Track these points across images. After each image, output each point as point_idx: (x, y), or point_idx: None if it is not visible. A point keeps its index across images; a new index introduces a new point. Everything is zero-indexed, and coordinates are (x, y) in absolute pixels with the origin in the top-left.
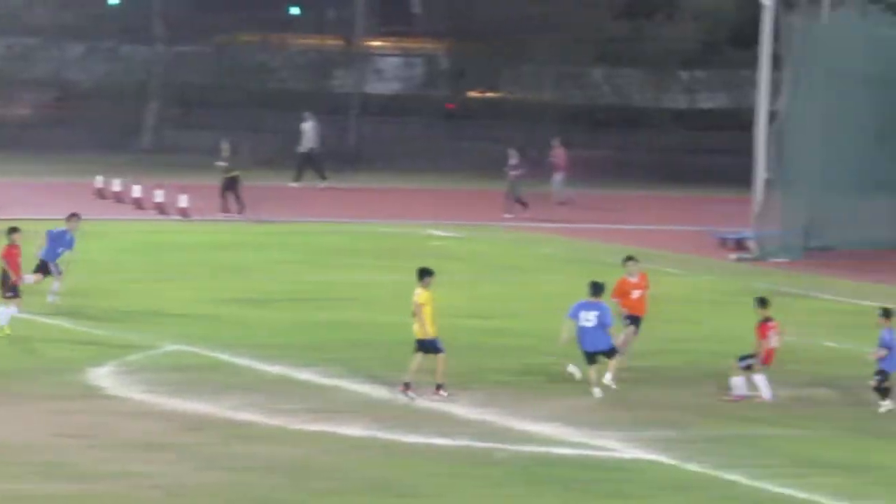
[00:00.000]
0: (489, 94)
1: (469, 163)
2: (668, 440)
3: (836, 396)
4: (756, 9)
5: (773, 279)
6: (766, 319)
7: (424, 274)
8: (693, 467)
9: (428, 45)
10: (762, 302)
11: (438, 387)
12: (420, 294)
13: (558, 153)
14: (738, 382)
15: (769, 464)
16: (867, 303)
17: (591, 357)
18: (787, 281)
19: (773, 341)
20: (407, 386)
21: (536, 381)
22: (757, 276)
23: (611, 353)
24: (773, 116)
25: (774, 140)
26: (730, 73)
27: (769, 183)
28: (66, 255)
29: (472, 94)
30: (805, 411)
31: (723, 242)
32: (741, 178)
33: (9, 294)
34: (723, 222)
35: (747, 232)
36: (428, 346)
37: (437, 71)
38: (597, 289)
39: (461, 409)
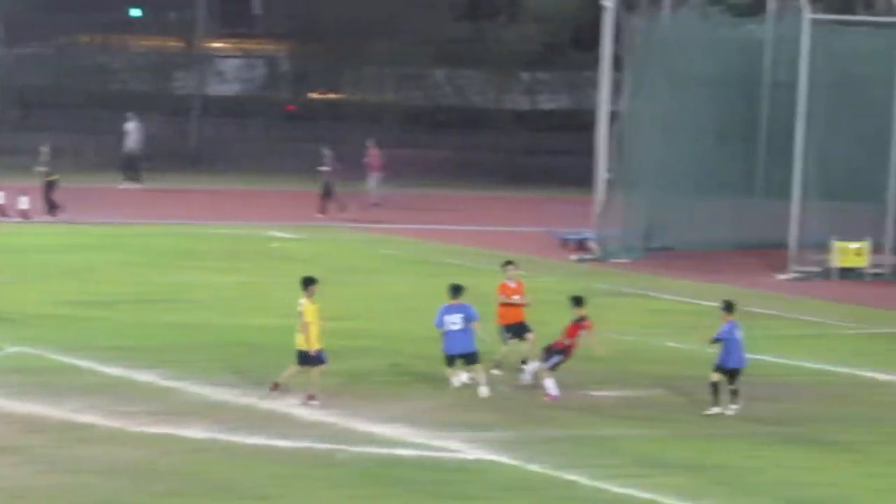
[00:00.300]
0: (331, 96)
1: (310, 164)
2: (509, 441)
3: (677, 396)
4: (597, 10)
5: (615, 280)
6: (581, 319)
7: (308, 283)
8: (535, 468)
9: (269, 47)
10: (577, 301)
11: (310, 396)
12: (305, 307)
13: (373, 154)
14: (549, 384)
15: (610, 464)
16: (707, 303)
17: (454, 360)
18: (628, 281)
19: (580, 341)
20: (276, 385)
21: (379, 383)
22: (598, 277)
23: (472, 358)
24: (614, 117)
25: (615, 141)
26: (572, 74)
27: (610, 184)
28: None
29: (314, 95)
30: (646, 411)
31: (564, 243)
32: (583, 179)
33: None
34: (564, 223)
35: (589, 233)
36: (311, 360)
37: (278, 72)
38: (456, 291)
39: (303, 411)
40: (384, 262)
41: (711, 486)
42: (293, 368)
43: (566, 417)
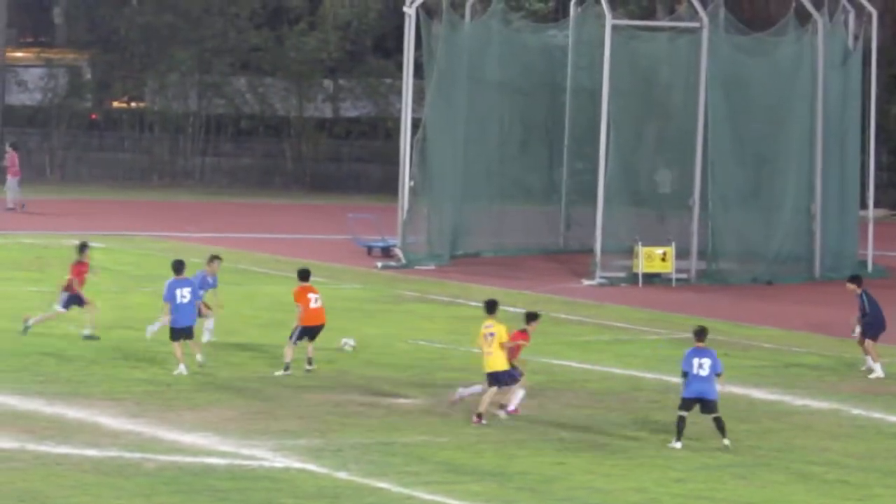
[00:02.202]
0: (133, 105)
1: (114, 173)
2: (317, 449)
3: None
4: (399, 17)
5: (420, 287)
6: (526, 329)
7: (492, 306)
8: (344, 475)
9: (70, 56)
10: (532, 316)
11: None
12: (497, 328)
13: (12, 157)
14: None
15: (419, 471)
16: (513, 309)
17: (180, 333)
18: (434, 288)
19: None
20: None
21: (185, 391)
22: (404, 284)
23: (189, 331)
24: (417, 125)
25: (418, 148)
26: (374, 81)
27: (414, 191)
28: None
29: (117, 104)
30: (453, 418)
31: (369, 251)
32: (387, 186)
33: None
34: (369, 231)
35: (393, 240)
36: (505, 379)
37: (80, 82)
38: (179, 266)
39: (111, 420)
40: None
41: (518, 493)
42: (489, 392)
43: (373, 425)
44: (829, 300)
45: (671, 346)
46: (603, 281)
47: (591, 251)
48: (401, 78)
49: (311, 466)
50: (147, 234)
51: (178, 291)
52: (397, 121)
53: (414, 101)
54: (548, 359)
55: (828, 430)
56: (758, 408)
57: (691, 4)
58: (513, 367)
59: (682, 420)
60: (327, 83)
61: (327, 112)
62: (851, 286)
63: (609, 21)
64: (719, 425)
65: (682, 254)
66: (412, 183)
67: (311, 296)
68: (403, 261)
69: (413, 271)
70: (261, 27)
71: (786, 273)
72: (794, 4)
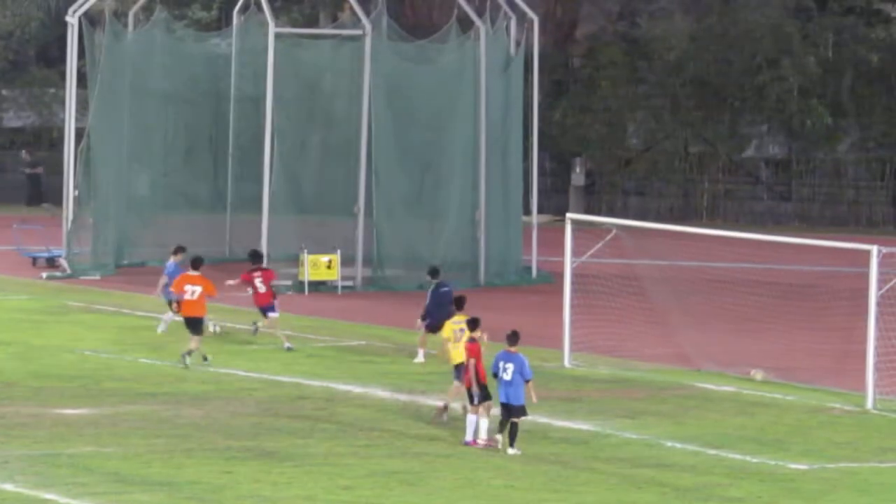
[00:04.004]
0: None
1: None
2: None
3: (148, 411)
4: (62, 27)
5: (87, 296)
6: (473, 339)
7: None
8: (10, 487)
9: None
10: (473, 323)
11: None
12: None
13: None
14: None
15: (86, 481)
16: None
17: None
18: (101, 298)
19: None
20: None
21: None
22: (70, 294)
23: None
24: (81, 134)
25: (83, 158)
26: (38, 90)
27: (79, 200)
28: None
29: None
30: (119, 429)
31: (34, 261)
32: (54, 195)
33: None
34: (35, 241)
35: (59, 250)
36: None
37: None
38: None
39: None
40: None
41: (188, 502)
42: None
43: (40, 436)
44: (493, 305)
45: (338, 353)
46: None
47: None
48: (65, 87)
49: None
50: None
51: None
52: (62, 130)
53: (78, 111)
54: (215, 368)
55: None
56: (425, 415)
57: (354, 12)
58: (482, 386)
59: (503, 423)
60: None
61: None
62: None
63: (272, 29)
64: (512, 431)
65: (348, 261)
66: (76, 192)
67: None
68: (69, 271)
69: (79, 281)
70: None
71: (452, 279)
72: (456, 11)
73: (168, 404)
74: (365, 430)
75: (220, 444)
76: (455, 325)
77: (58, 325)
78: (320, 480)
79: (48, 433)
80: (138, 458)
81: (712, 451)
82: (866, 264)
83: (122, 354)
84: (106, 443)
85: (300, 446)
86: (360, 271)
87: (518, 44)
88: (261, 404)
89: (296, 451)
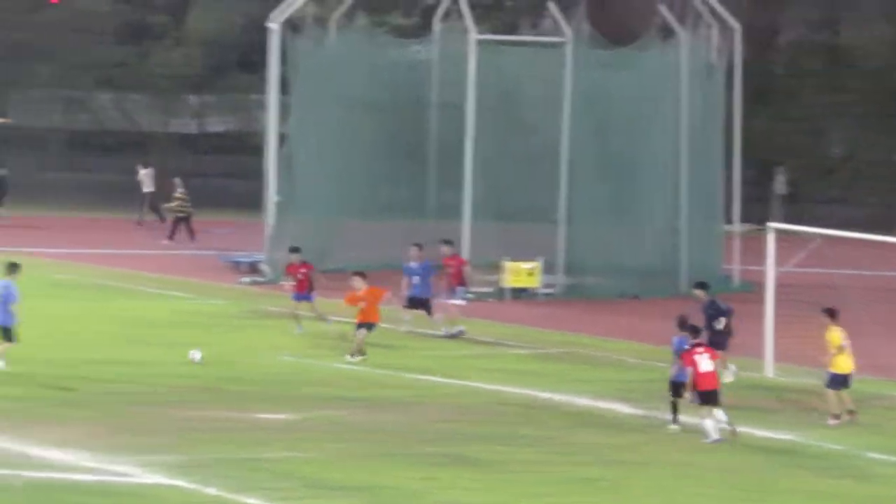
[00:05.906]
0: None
1: None
2: (184, 464)
3: (346, 418)
4: (262, 33)
5: (286, 302)
6: (695, 346)
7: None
8: (212, 491)
9: None
10: (691, 329)
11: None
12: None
13: None
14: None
15: (284, 486)
16: (383, 325)
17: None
18: (301, 304)
19: (703, 366)
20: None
21: (51, 406)
22: (270, 300)
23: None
24: (282, 140)
25: (284, 163)
26: (239, 96)
27: (280, 206)
28: None
29: None
30: (316, 433)
31: (235, 266)
32: (252, 202)
33: None
34: (235, 246)
35: (260, 255)
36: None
37: None
38: (13, 268)
39: None
40: (51, 288)
41: None
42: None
43: (237, 440)
44: (694, 315)
45: (539, 361)
46: (470, 296)
47: None
48: (266, 93)
49: (178, 482)
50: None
51: None
52: (262, 136)
53: (279, 117)
54: (412, 374)
55: (694, 445)
56: (624, 422)
57: (555, 20)
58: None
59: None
60: (192, 98)
61: (191, 128)
62: (699, 293)
63: (473, 36)
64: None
65: (549, 269)
66: (278, 199)
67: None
68: (270, 276)
69: (279, 286)
70: (124, 43)
71: (652, 288)
72: (657, 19)
73: (365, 409)
74: (565, 438)
75: (419, 450)
76: None
77: (255, 330)
78: (518, 487)
79: (246, 437)
80: (336, 462)
81: None
82: None
83: (319, 360)
84: (303, 447)
85: (500, 453)
86: (561, 279)
87: (720, 52)
88: (460, 410)
89: (495, 458)
